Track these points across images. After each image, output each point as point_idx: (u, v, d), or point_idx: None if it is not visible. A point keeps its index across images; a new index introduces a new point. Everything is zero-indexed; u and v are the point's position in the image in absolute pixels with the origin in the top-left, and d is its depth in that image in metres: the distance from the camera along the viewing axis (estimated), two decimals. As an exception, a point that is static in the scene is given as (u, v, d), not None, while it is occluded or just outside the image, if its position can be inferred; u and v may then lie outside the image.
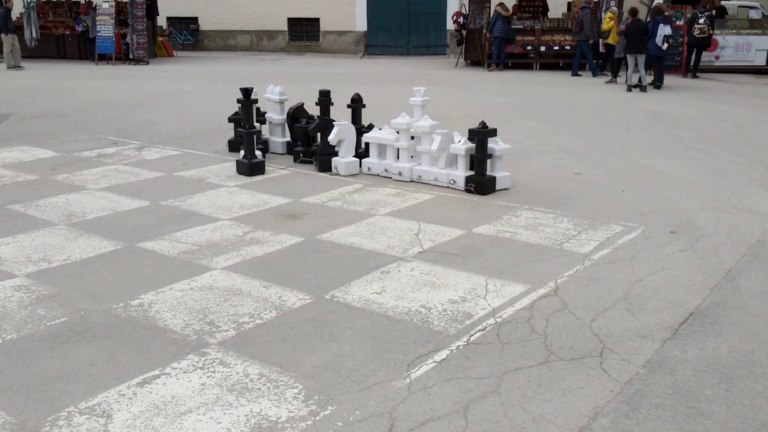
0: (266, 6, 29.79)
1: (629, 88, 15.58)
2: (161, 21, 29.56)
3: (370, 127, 8.19)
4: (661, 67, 16.63)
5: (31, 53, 22.18)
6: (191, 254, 5.24)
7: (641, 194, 7.04)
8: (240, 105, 7.75)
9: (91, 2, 22.60)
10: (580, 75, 18.85)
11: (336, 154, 7.89)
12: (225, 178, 7.57)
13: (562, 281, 4.75)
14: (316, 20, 29.92)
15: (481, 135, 6.91)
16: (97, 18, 21.17)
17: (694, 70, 18.41)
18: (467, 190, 7.04)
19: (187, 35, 29.59)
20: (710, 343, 3.90)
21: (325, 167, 7.92)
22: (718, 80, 17.97)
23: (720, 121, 11.70)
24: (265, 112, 9.04)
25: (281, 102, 8.83)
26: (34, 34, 21.23)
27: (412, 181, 7.51)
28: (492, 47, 20.48)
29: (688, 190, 7.25)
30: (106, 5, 20.99)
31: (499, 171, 7.20)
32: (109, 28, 21.05)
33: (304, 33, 30.24)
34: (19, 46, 19.79)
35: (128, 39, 21.63)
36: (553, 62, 21.03)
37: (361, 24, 29.51)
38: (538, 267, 5.01)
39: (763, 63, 19.75)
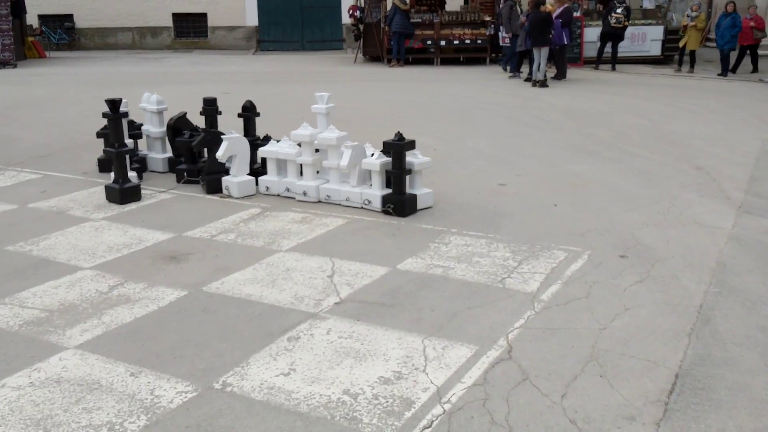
0: (148, 1, 27.84)
1: (534, 83, 15.09)
2: (32, 19, 27.08)
3: (267, 139, 7.08)
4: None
5: None
6: (37, 326, 4.00)
7: (575, 208, 6.30)
8: (107, 120, 6.45)
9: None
10: (518, 74, 16.89)
11: (227, 173, 6.75)
12: (92, 209, 6.27)
13: (515, 336, 3.85)
14: (204, 15, 28.24)
15: (397, 148, 5.95)
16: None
17: (613, 62, 18.16)
18: (385, 212, 6.07)
19: (62, 34, 27.27)
20: (713, 421, 3.09)
21: (215, 188, 6.76)
22: (618, 71, 17.82)
23: (633, 117, 11.26)
24: (142, 124, 7.75)
25: (159, 112, 7.57)
26: None
27: (319, 201, 6.47)
28: (391, 42, 19.65)
29: (623, 200, 6.56)
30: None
31: (419, 188, 6.27)
32: None
33: (190, 29, 28.49)
34: None
35: (-10, 39, 19.37)
36: (453, 57, 20.42)
37: (252, 18, 28.07)
38: (482, 316, 4.10)
39: (658, 53, 19.85)
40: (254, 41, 28.05)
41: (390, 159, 6.07)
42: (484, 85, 15.43)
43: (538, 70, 15.04)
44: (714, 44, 18.56)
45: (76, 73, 18.14)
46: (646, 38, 19.95)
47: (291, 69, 19.40)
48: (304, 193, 6.49)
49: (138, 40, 28.08)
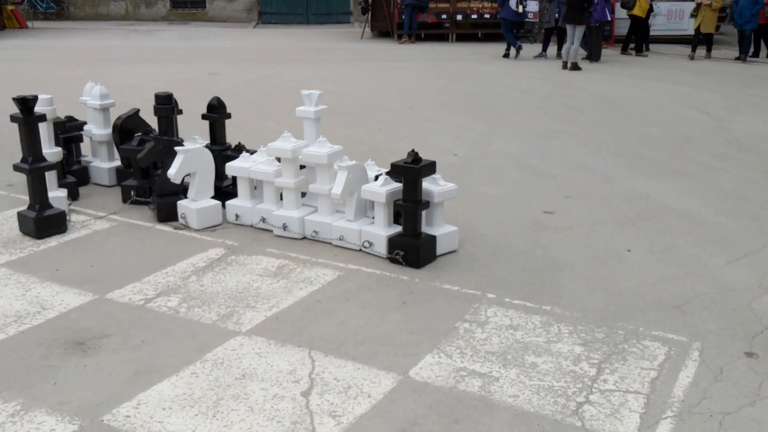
0: (142, -32, 25.93)
1: (565, 65, 13.27)
2: (14, -15, 25.24)
3: (239, 149, 5.38)
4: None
5: None
6: None
7: (656, 255, 4.59)
8: (19, 125, 4.72)
9: None
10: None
11: (185, 194, 5.07)
12: (-6, 247, 4.62)
13: None
14: (198, -15, 26.33)
15: (411, 174, 4.24)
16: None
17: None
18: (392, 260, 4.39)
19: (50, 3, 25.45)
20: None
21: (168, 216, 5.08)
22: (653, 52, 15.94)
23: (688, 110, 9.48)
24: (84, 123, 6.05)
25: (104, 109, 5.86)
26: None
27: (304, 238, 4.79)
28: (402, 16, 17.79)
29: (718, 241, 4.85)
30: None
31: (439, 225, 4.57)
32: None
33: (187, -1, 26.60)
34: None
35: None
36: (470, 33, 18.56)
37: (253, -12, 26.16)
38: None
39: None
40: (255, 13, 26.18)
41: (400, 186, 4.37)
42: (507, 67, 13.61)
43: (571, 50, 13.20)
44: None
45: (53, 47, 16.39)
46: (684, 15, 17.96)
47: (291, 45, 17.59)
48: (284, 227, 4.80)
49: (131, 10, 26.25)
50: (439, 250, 4.49)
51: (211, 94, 10.12)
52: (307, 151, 4.66)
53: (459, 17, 17.96)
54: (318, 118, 5.00)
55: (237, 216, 5.04)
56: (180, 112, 5.65)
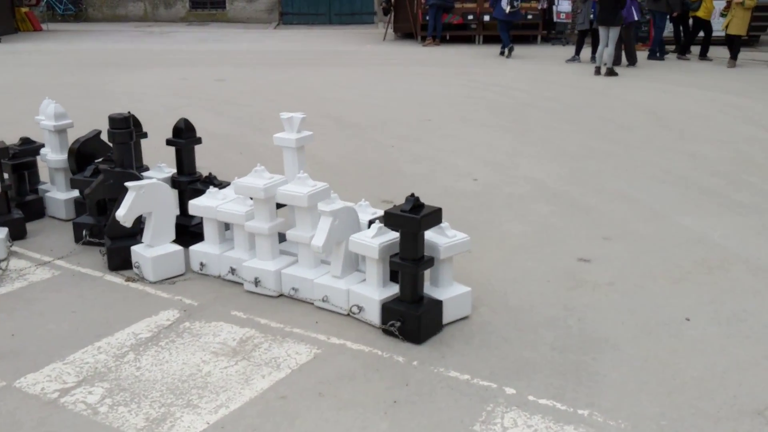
0: (157, -30, 25.34)
1: (598, 70, 12.21)
2: (34, -14, 24.82)
3: (209, 182, 4.48)
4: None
5: None
6: None
7: (724, 328, 3.60)
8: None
9: None
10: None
11: (140, 239, 4.19)
12: None
13: None
14: (219, -16, 25.67)
15: (409, 226, 3.30)
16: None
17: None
18: (386, 331, 3.45)
19: (68, 4, 24.96)
20: None
21: (120, 263, 4.21)
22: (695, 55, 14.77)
23: (744, 124, 8.40)
24: (42, 145, 5.22)
25: (60, 130, 5.01)
26: None
27: (281, 296, 3.89)
28: (426, 17, 16.83)
29: (800, 303, 3.84)
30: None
31: (447, 285, 3.62)
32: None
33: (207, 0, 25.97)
34: None
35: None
36: (498, 35, 17.48)
37: (275, -12, 25.44)
38: None
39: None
40: (276, 14, 25.45)
41: (397, 237, 3.44)
42: (537, 72, 12.58)
43: (605, 54, 12.13)
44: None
45: (61, 51, 15.73)
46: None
47: (309, 47, 16.73)
48: (257, 282, 3.89)
49: (150, 11, 25.68)
50: (447, 318, 3.55)
51: (213, 104, 9.32)
52: (283, 190, 3.75)
53: (486, 18, 16.93)
54: (300, 147, 4.08)
55: (202, 265, 4.15)
56: (144, 135, 4.78)
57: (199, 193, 4.30)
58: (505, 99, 9.99)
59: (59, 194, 5.02)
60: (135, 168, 4.46)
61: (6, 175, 4.64)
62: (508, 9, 14.31)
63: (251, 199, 3.92)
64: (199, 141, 4.62)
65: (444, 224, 3.57)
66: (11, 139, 5.28)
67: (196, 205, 4.12)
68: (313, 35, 20.21)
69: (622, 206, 5.43)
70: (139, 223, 4.16)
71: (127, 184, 3.95)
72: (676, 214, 5.24)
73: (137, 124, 4.71)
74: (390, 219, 3.36)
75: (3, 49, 16.08)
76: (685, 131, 8.00)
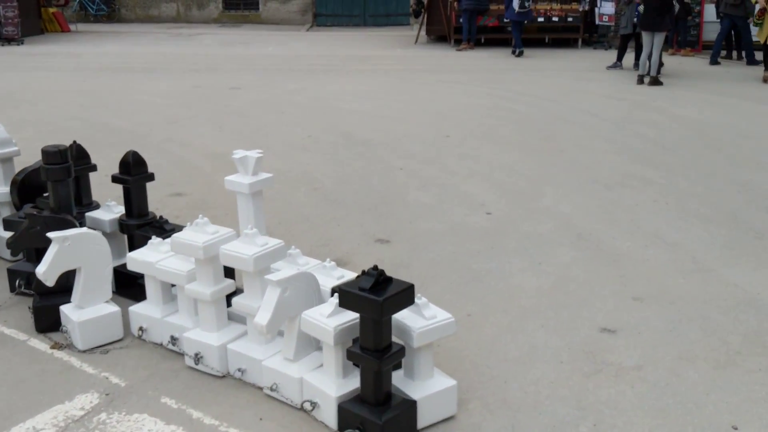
0: (193, -32, 24.98)
1: (641, 79, 11.25)
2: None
3: (158, 227, 3.79)
4: (515, 33, 14.14)
5: None
6: None
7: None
8: None
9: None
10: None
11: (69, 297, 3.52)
12: None
13: None
14: (256, -15, 25.21)
15: (370, 308, 2.55)
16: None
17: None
18: (342, 439, 2.72)
19: (101, 4, 24.76)
20: None
21: (51, 323, 3.55)
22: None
23: (805, 146, 7.43)
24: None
25: (5, 159, 4.38)
26: None
27: (226, 375, 3.17)
28: (460, 20, 16.00)
29: None
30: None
31: (424, 378, 2.85)
32: (-34, -2, 16.23)
33: (240, 0, 25.54)
34: None
35: (-4, 11, 16.83)
36: (536, 38, 16.57)
37: (309, -11, 24.89)
38: None
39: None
40: (310, 15, 24.89)
41: (354, 318, 2.69)
42: (574, 80, 11.67)
43: (650, 61, 11.16)
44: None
45: (82, 53, 15.33)
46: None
47: (337, 51, 16.04)
48: (197, 358, 3.18)
49: (183, 12, 25.35)
50: (424, 421, 2.79)
51: (219, 115, 8.63)
52: (226, 249, 3.03)
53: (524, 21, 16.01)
54: (257, 192, 3.36)
55: (142, 330, 3.46)
56: (92, 168, 4.11)
57: (141, 243, 3.62)
58: (535, 111, 9.14)
59: (2, 232, 4.39)
60: (73, 210, 3.79)
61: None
62: (517, 9, 14.24)
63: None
64: (150, 177, 3.93)
65: (421, 300, 2.81)
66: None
67: (134, 259, 3.43)
68: (343, 38, 19.53)
69: (659, 253, 4.58)
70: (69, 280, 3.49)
71: (49, 235, 3.28)
72: (722, 266, 4.37)
73: (83, 155, 4.05)
74: (346, 299, 2.61)
75: (23, 51, 15.77)
76: (737, 154, 7.06)
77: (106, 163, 5.20)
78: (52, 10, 20.26)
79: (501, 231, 4.98)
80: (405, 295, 2.62)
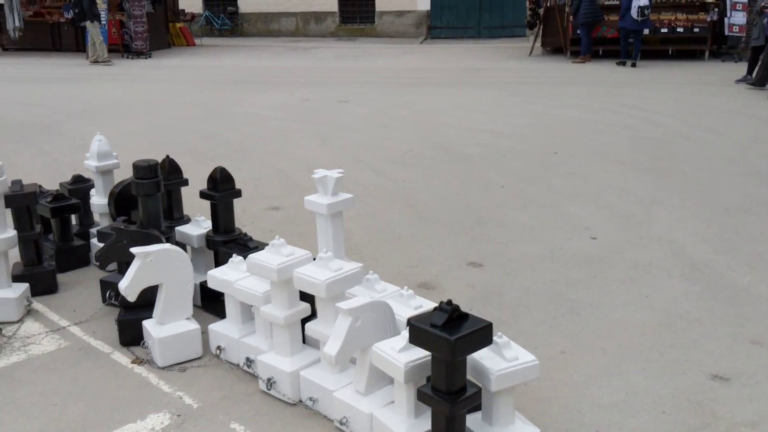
0: (313, -17, 25.58)
1: (776, 94, 10.40)
2: (194, 2, 25.95)
3: (243, 244, 3.74)
4: (636, 43, 13.79)
5: (21, 45, 18.84)
6: None
7: None
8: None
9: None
10: None
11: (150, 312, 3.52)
12: None
13: None
14: (372, -1, 25.54)
15: (441, 347, 2.34)
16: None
17: None
18: (409, 484, 2.51)
19: (225, 19, 25.83)
20: None
21: (134, 337, 3.57)
22: None
23: None
24: (90, 185, 4.76)
25: (104, 171, 4.49)
26: (17, 23, 17.78)
27: (298, 402, 3.05)
28: (578, 31, 15.46)
29: None
30: (98, -14, 17.24)
31: (504, 424, 2.60)
32: (102, 14, 17.28)
33: (357, 14, 25.94)
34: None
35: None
36: (659, 50, 15.75)
37: (423, 2, 24.95)
38: None
39: None
40: (424, 27, 24.93)
41: (425, 356, 2.49)
42: (698, 94, 10.94)
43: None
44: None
45: (206, 66, 15.97)
46: None
47: (447, 64, 15.89)
48: (270, 384, 3.08)
49: (301, 26, 26.04)
50: (501, 472, 2.55)
51: (324, 129, 8.66)
52: (299, 273, 2.91)
53: (646, 31, 15.25)
54: (336, 214, 3.23)
55: (220, 349, 3.41)
56: (183, 183, 4.14)
57: (225, 260, 3.57)
58: (651, 128, 8.60)
59: (97, 243, 4.50)
60: (162, 225, 3.81)
61: (38, 223, 4.18)
62: (637, 17, 13.89)
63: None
64: (237, 194, 3.89)
65: (501, 339, 2.57)
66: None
67: (214, 277, 3.38)
68: (456, 50, 19.37)
69: (787, 292, 4.10)
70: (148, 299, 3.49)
71: (133, 250, 3.29)
72: None
73: (175, 169, 4.08)
74: (416, 335, 2.42)
75: (149, 64, 16.61)
76: None
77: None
78: (179, 25, 21.29)
79: (605, 258, 4.63)
80: (481, 335, 2.39)
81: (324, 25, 25.84)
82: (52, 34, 19.25)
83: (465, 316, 2.42)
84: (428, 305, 2.96)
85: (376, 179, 6.51)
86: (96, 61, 16.23)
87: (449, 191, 6.17)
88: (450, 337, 2.31)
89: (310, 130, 8.75)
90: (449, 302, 2.41)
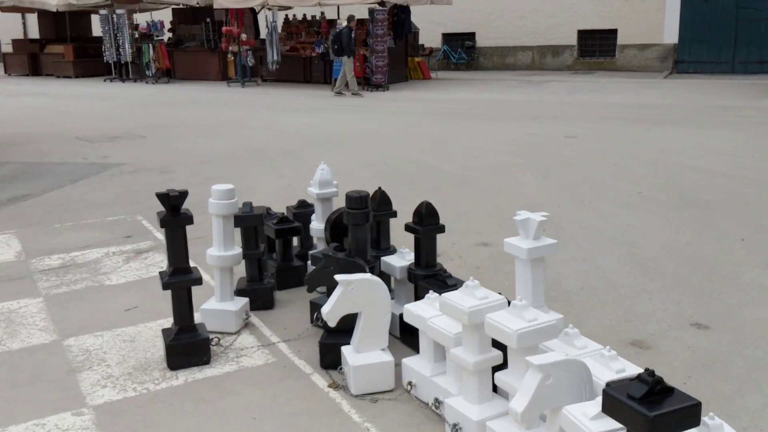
0: (553, 17, 25.40)
1: None
2: (434, 37, 26.92)
3: (441, 280, 3.69)
4: None
5: (277, 76, 20.81)
6: None
7: None
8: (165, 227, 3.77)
9: (334, 20, 20.42)
10: None
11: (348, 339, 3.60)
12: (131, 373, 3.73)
13: None
14: (613, 32, 24.75)
15: (636, 423, 2.09)
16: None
17: None
18: None
19: (462, 53, 26.49)
20: None
21: (334, 361, 3.67)
22: None
23: None
24: (309, 209, 5.04)
25: (324, 199, 4.72)
26: (275, 57, 19.67)
27: (484, 455, 2.93)
28: None
29: None
30: (344, 23, 18.54)
31: None
32: (349, 50, 18.52)
33: (596, 47, 25.25)
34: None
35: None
36: None
37: (670, 35, 23.59)
38: None
39: None
40: (670, 62, 23.57)
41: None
42: None
43: None
44: None
45: (435, 99, 16.43)
46: None
47: (691, 101, 14.80)
48: (456, 430, 2.98)
49: (538, 59, 25.89)
50: None
51: (547, 164, 8.49)
52: (491, 319, 2.79)
53: None
54: (536, 259, 3.06)
55: (411, 385, 3.38)
56: (392, 215, 4.20)
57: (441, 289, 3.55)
58: None
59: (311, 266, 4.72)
60: (368, 254, 3.90)
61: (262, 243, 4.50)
62: None
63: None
64: (441, 229, 3.86)
65: (713, 421, 2.24)
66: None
67: (409, 311, 3.38)
68: (704, 86, 17.98)
69: None
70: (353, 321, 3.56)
71: (336, 277, 3.39)
72: None
73: (386, 201, 4.16)
74: (610, 405, 2.18)
75: (385, 96, 17.44)
76: None
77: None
78: (417, 59, 22.16)
79: None
80: (687, 414, 2.10)
81: (561, 59, 25.43)
82: (303, 67, 21.01)
83: (669, 390, 2.14)
84: (632, 370, 2.68)
85: (597, 221, 6.17)
86: (340, 93, 17.41)
87: (679, 240, 5.66)
88: (648, 413, 2.05)
89: (532, 166, 8.56)
90: (651, 373, 2.15)
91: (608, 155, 9.09)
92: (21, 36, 34.35)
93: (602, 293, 4.61)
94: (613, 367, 2.70)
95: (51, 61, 26.33)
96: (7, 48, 30.67)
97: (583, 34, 24.92)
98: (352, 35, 17.53)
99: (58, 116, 14.40)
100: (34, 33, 33.09)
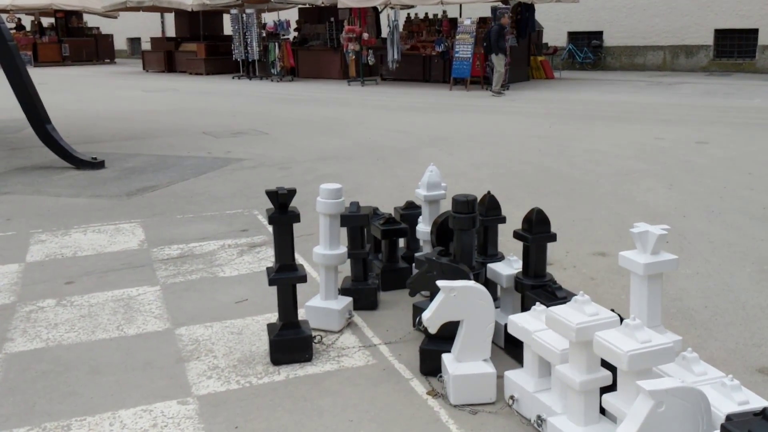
0: (688, 15, 24.15)
1: None
2: (560, 36, 26.25)
3: (551, 291, 3.52)
4: None
5: (396, 75, 20.95)
6: None
7: None
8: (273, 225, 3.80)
9: (456, 19, 20.26)
10: None
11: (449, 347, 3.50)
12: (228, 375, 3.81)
13: None
14: (753, 31, 23.24)
15: (755, 467, 1.89)
16: (457, 36, 18.69)
17: None
18: None
19: (588, 52, 25.67)
20: None
21: (434, 368, 3.59)
22: None
23: None
24: (415, 212, 4.97)
25: (431, 201, 4.64)
26: (395, 56, 19.79)
27: (587, 479, 2.75)
28: None
29: None
30: (467, 22, 18.38)
31: None
32: (468, 48, 18.36)
33: (734, 48, 23.80)
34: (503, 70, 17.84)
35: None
36: None
37: (821, 34, 21.87)
38: None
39: None
40: (817, 63, 21.82)
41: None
42: None
43: None
44: None
45: (557, 99, 15.96)
46: None
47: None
48: (557, 451, 2.83)
49: (669, 60, 24.68)
50: None
51: (674, 172, 8.06)
52: (600, 337, 2.61)
53: None
54: (653, 276, 2.84)
55: (513, 399, 3.24)
56: (501, 220, 4.06)
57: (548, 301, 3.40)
58: None
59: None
60: (473, 260, 3.79)
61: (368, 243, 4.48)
62: None
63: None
64: (552, 238, 3.69)
65: None
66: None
67: (514, 323, 3.24)
68: None
69: None
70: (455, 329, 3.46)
71: (438, 283, 3.31)
72: None
73: (494, 206, 4.03)
74: (730, 441, 1.98)
75: (506, 96, 17.10)
76: None
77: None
78: (540, 58, 21.64)
79: None
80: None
81: (695, 60, 24.12)
82: (423, 66, 21.01)
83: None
84: (757, 402, 2.44)
85: (727, 234, 5.75)
86: (499, 93, 17.06)
87: (819, 259, 5.17)
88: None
89: (658, 172, 8.11)
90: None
91: (742, 163, 8.48)
92: (159, 35, 36.45)
93: (728, 313, 4.27)
94: (735, 398, 2.47)
95: (185, 58, 27.75)
96: (146, 46, 32.65)
97: (720, 34, 23.52)
98: (504, 32, 17.23)
99: (187, 112, 15.12)
100: (171, 32, 35.04)
